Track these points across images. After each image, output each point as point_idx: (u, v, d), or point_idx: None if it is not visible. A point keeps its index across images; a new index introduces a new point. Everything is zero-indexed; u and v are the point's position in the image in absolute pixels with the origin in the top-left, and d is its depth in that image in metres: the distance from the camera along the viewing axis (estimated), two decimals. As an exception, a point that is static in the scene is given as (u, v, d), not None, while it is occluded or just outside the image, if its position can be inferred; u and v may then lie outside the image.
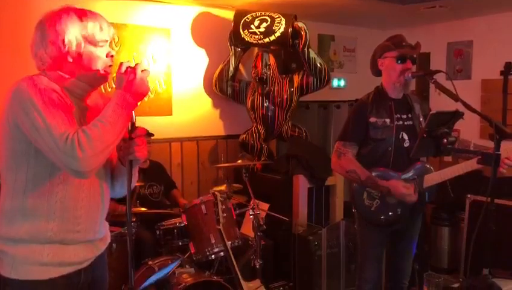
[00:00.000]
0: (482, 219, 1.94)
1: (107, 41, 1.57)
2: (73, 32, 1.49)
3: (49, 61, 1.50)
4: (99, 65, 1.55)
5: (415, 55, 2.49)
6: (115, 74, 1.55)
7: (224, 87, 4.25)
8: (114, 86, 1.58)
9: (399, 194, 2.41)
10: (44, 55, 1.50)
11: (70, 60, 1.50)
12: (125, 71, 1.51)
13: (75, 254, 1.56)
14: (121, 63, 1.53)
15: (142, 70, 1.52)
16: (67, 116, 1.42)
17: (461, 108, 2.14)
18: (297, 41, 4.00)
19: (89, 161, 1.37)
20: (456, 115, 2.14)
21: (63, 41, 1.48)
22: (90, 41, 1.53)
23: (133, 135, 1.58)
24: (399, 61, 2.46)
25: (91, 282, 1.65)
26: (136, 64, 1.54)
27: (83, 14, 1.53)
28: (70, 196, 1.53)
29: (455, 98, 2.18)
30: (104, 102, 1.67)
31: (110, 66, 1.60)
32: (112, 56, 1.60)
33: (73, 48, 1.50)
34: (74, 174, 1.42)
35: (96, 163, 1.41)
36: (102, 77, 1.59)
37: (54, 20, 1.50)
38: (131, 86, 1.49)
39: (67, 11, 1.52)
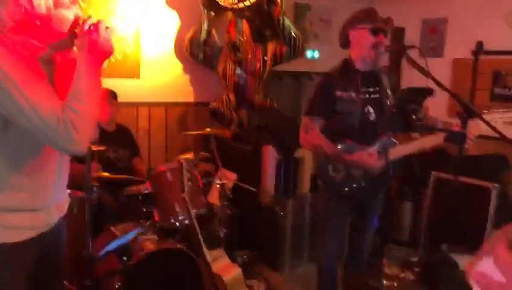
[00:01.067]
0: (445, 196, 1.97)
1: (76, 2, 1.47)
2: None
3: (11, 23, 1.37)
4: (66, 28, 1.45)
5: (388, 29, 2.45)
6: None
7: (195, 52, 4.12)
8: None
9: (364, 165, 2.41)
10: (4, 16, 1.36)
11: (38, 23, 1.39)
12: (87, 30, 1.41)
13: (41, 218, 1.54)
14: (84, 21, 1.43)
15: (106, 28, 1.43)
16: (47, 90, 1.35)
17: (432, 85, 2.14)
18: (272, 9, 3.89)
19: (85, 139, 1.35)
20: (426, 92, 2.14)
21: (31, 2, 1.36)
22: (60, 2, 1.42)
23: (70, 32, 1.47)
24: (372, 34, 2.41)
25: (55, 243, 1.64)
26: (99, 21, 1.44)
27: None
28: (40, 169, 1.49)
29: (426, 74, 2.17)
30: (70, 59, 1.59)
31: (76, 27, 1.49)
32: (79, 17, 1.49)
33: (43, 10, 1.38)
34: (69, 153, 1.44)
35: (90, 137, 1.40)
36: (71, 41, 1.50)
37: None
38: (96, 46, 1.41)
39: None
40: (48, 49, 1.46)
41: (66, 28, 1.45)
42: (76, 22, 1.45)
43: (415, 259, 2.11)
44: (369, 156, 2.41)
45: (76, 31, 1.47)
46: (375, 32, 2.40)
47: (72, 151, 1.38)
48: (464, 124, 1.86)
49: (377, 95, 2.53)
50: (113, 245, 2.46)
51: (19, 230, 1.47)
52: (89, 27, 1.42)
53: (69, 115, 1.31)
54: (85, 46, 1.41)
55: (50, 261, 1.64)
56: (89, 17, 1.46)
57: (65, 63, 1.56)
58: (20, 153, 1.43)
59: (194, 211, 2.80)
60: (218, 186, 2.97)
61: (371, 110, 2.49)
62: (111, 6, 3.73)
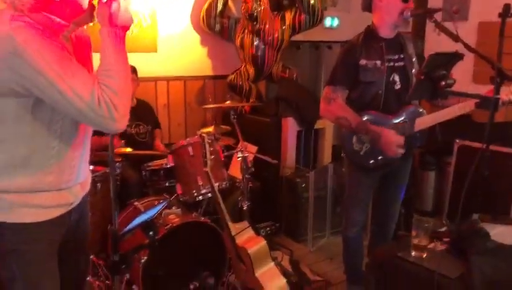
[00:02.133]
0: (476, 165, 1.91)
1: None
2: None
3: (30, 1, 1.33)
4: (85, 3, 1.42)
5: None
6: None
7: (212, 24, 4.04)
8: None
9: (388, 142, 2.34)
10: None
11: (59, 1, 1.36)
12: (106, 2, 1.37)
13: (69, 196, 1.56)
14: None
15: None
16: (79, 68, 1.33)
17: (460, 49, 2.05)
18: (290, -25, 3.78)
19: (124, 116, 1.36)
20: (456, 57, 2.05)
21: None
22: None
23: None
24: (403, 1, 2.30)
25: (79, 219, 1.66)
26: None
27: None
28: (66, 150, 1.50)
29: (455, 38, 2.08)
30: (84, 34, 1.57)
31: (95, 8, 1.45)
32: None
33: None
34: (110, 132, 1.45)
35: (128, 113, 1.40)
36: (90, 16, 1.47)
37: None
38: (116, 18, 1.38)
39: None
40: (71, 26, 1.44)
41: (85, 3, 1.42)
42: None
43: (443, 229, 2.07)
44: (396, 138, 2.32)
45: (94, 3, 1.43)
46: None
47: (115, 130, 1.37)
48: (498, 89, 1.78)
49: (402, 63, 2.45)
50: (138, 220, 2.46)
51: (46, 209, 1.49)
52: None
53: (107, 93, 1.31)
54: (106, 19, 1.37)
55: (75, 238, 1.66)
56: None
57: (78, 40, 1.53)
58: (46, 133, 1.43)
59: (217, 184, 2.79)
60: (239, 159, 2.95)
61: (397, 78, 2.42)
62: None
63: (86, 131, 1.57)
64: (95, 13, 1.46)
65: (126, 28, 1.41)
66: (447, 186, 3.98)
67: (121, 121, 1.35)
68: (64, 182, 1.52)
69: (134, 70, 3.33)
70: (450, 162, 3.97)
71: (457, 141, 3.81)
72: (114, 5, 1.37)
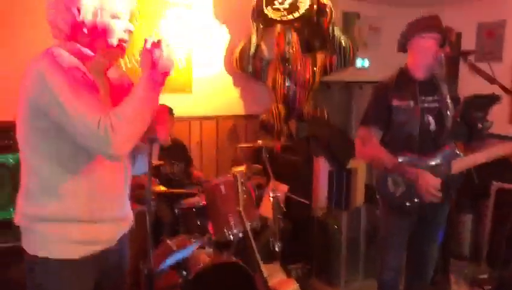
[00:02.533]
0: (508, 207, 1.85)
1: (125, 14, 1.50)
2: (90, 1, 1.43)
3: (66, 29, 1.43)
4: (114, 38, 1.48)
5: (452, 40, 2.36)
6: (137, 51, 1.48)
7: (245, 65, 4.15)
8: (138, 61, 1.50)
9: (425, 185, 2.30)
10: (61, 22, 1.43)
11: (85, 30, 1.44)
12: (150, 48, 1.43)
13: (103, 232, 1.54)
14: (146, 39, 1.46)
15: (166, 46, 1.45)
16: (95, 97, 1.37)
17: (496, 91, 2.03)
18: (321, 19, 3.87)
19: (122, 144, 1.35)
20: (493, 99, 2.03)
21: (78, 8, 1.42)
22: (107, 12, 1.45)
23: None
24: (439, 44, 2.32)
25: (118, 261, 1.64)
26: (160, 40, 1.46)
27: None
28: (96, 174, 1.49)
29: (491, 80, 2.07)
30: (127, 80, 1.61)
31: (126, 41, 1.51)
32: (130, 31, 1.52)
33: (89, 16, 1.43)
34: (107, 157, 1.40)
35: (129, 145, 1.39)
36: (118, 51, 1.51)
37: None
38: (158, 63, 1.42)
39: None
40: (97, 58, 1.49)
41: (111, 38, 1.47)
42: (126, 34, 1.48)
43: (485, 276, 1.98)
44: (432, 183, 2.28)
45: (124, 44, 1.50)
46: (442, 43, 2.30)
47: (110, 154, 1.36)
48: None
49: (436, 104, 2.42)
50: (172, 259, 2.48)
51: (78, 245, 1.48)
52: (152, 45, 1.44)
53: (110, 118, 1.32)
54: (148, 64, 1.42)
55: (112, 277, 1.64)
56: (152, 37, 1.48)
57: (122, 84, 1.59)
58: (74, 157, 1.44)
59: (249, 224, 2.79)
60: (270, 198, 2.95)
61: (431, 119, 2.39)
62: (163, 23, 3.83)
63: (122, 164, 1.56)
64: (125, 48, 1.52)
65: (166, 74, 1.45)
66: (485, 230, 3.84)
67: (119, 146, 1.34)
68: (96, 212, 1.50)
69: (170, 111, 3.42)
70: (487, 205, 3.84)
71: (494, 183, 3.71)
72: (157, 52, 1.42)
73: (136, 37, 1.55)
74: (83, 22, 1.43)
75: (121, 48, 1.51)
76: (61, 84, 1.32)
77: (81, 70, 1.40)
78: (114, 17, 1.47)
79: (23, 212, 1.49)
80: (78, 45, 1.46)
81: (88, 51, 1.47)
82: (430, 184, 2.28)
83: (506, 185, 3.60)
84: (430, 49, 2.32)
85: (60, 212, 1.45)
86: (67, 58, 1.39)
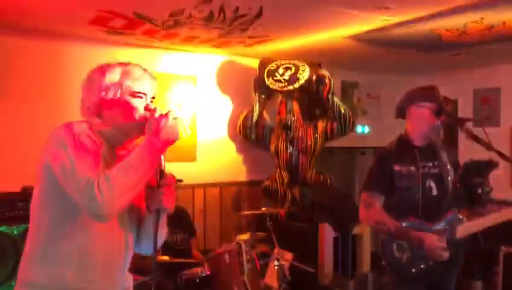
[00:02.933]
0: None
1: (145, 93, 1.58)
2: (113, 81, 1.54)
3: (92, 108, 1.54)
4: (135, 116, 1.54)
5: (447, 110, 2.45)
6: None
7: (248, 133, 4.26)
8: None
9: (432, 247, 2.29)
10: (88, 102, 1.54)
11: (109, 108, 1.53)
12: (157, 117, 1.50)
13: None
14: (155, 109, 1.53)
15: (174, 118, 1.51)
16: (96, 163, 1.41)
17: (494, 157, 2.07)
18: (321, 88, 4.01)
19: (108, 204, 1.35)
20: (491, 165, 2.07)
21: (104, 89, 1.52)
22: (128, 91, 1.54)
23: (161, 182, 1.55)
24: (434, 114, 2.40)
25: None
26: (168, 112, 1.53)
27: (125, 65, 1.58)
28: (90, 244, 1.49)
29: (488, 147, 2.11)
30: None
31: (147, 118, 1.56)
32: (150, 109, 1.58)
33: (111, 96, 1.53)
34: (94, 216, 1.40)
35: (116, 206, 1.39)
36: (138, 128, 1.57)
37: (100, 69, 1.56)
38: (161, 132, 1.47)
39: (120, 63, 1.59)
40: (113, 131, 1.54)
41: (132, 115, 1.54)
42: (147, 109, 1.56)
43: None
44: (440, 242, 2.28)
45: (142, 118, 1.55)
46: (437, 113, 2.39)
47: (95, 213, 1.37)
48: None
49: (437, 170, 2.47)
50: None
51: None
52: (160, 115, 1.51)
53: (99, 178, 1.35)
54: (152, 130, 1.48)
55: None
56: (161, 108, 1.55)
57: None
58: (73, 223, 1.45)
59: (253, 294, 2.74)
60: (275, 267, 2.91)
61: (433, 184, 2.42)
62: (169, 94, 3.99)
63: (113, 234, 1.54)
64: (146, 126, 1.54)
65: (169, 143, 1.49)
66: (497, 297, 3.73)
67: (104, 206, 1.34)
68: (87, 282, 1.48)
69: (177, 180, 3.45)
70: (497, 271, 3.76)
71: (502, 248, 3.65)
72: (163, 121, 1.48)
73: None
74: (106, 101, 1.53)
75: (140, 125, 1.55)
76: (67, 143, 1.40)
77: (91, 138, 1.46)
78: (134, 96, 1.55)
79: (18, 278, 1.50)
80: (99, 119, 1.54)
81: (107, 125, 1.54)
82: (436, 245, 2.27)
83: (515, 250, 3.55)
84: (425, 117, 2.41)
85: (49, 281, 1.45)
86: (83, 127, 1.47)
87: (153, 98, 1.61)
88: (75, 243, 1.47)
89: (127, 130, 1.57)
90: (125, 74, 1.56)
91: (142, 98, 1.57)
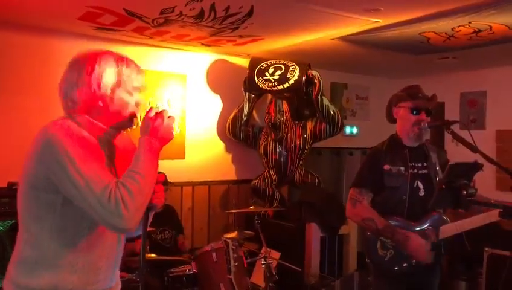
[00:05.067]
0: (506, 275, 1.86)
1: (139, 89, 1.56)
2: (109, 77, 1.48)
3: (80, 103, 1.47)
4: (127, 112, 1.53)
5: (430, 107, 2.48)
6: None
7: (237, 132, 4.26)
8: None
9: (414, 247, 2.32)
10: (77, 96, 1.46)
11: (101, 104, 1.48)
12: (152, 116, 1.50)
13: None
14: (150, 108, 1.52)
15: (168, 117, 1.51)
16: (103, 168, 1.39)
17: (479, 159, 2.11)
18: (310, 89, 4.04)
19: (133, 217, 1.35)
20: (476, 167, 2.10)
21: (99, 84, 1.46)
22: (124, 87, 1.51)
23: None
24: (414, 112, 2.45)
25: None
26: (163, 111, 1.53)
27: (120, 60, 1.53)
28: (93, 247, 1.50)
29: (474, 149, 2.15)
30: (130, 144, 1.66)
31: (136, 114, 1.57)
32: (139, 105, 1.58)
33: (108, 92, 1.48)
34: (115, 230, 1.40)
35: (139, 218, 1.39)
36: (128, 123, 1.56)
37: (92, 61, 1.48)
38: (158, 131, 1.47)
39: (107, 54, 1.52)
40: (109, 130, 1.53)
41: (125, 111, 1.52)
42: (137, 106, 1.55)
43: None
44: (423, 245, 2.32)
45: (133, 114, 1.55)
46: (417, 110, 2.43)
47: (120, 229, 1.36)
48: (520, 200, 1.80)
49: (426, 171, 2.50)
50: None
51: None
52: (154, 114, 1.50)
53: (122, 192, 1.33)
54: (148, 130, 1.47)
55: None
56: (157, 107, 1.55)
57: (126, 149, 1.63)
58: (76, 231, 1.44)
59: (240, 292, 2.75)
60: (262, 266, 2.92)
61: (420, 185, 2.45)
62: (158, 92, 3.98)
63: (111, 233, 1.55)
64: (135, 120, 1.57)
65: (165, 141, 1.49)
66: (480, 298, 3.78)
67: (129, 221, 1.34)
68: (90, 284, 1.49)
69: (166, 182, 3.44)
70: (481, 272, 3.81)
71: (486, 249, 3.70)
72: (158, 120, 1.48)
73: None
74: (100, 97, 1.47)
75: (131, 120, 1.56)
76: (71, 155, 1.34)
77: (90, 142, 1.42)
78: (130, 93, 1.53)
79: (15, 281, 1.47)
80: (88, 117, 1.49)
81: (100, 124, 1.51)
82: (422, 245, 2.30)
83: (498, 251, 3.60)
84: (406, 117, 2.45)
85: (53, 285, 1.43)
86: (76, 130, 1.42)
87: (142, 90, 1.60)
88: (80, 249, 1.46)
89: (119, 126, 1.56)
90: (121, 69, 1.51)
91: (135, 94, 1.55)
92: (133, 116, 1.55)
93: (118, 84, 1.50)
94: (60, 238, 1.44)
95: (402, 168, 2.46)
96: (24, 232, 1.48)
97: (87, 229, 1.46)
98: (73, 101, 1.47)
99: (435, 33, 3.34)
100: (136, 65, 1.58)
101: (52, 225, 1.43)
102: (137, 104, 1.56)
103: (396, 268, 2.42)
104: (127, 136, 1.77)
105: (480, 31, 3.24)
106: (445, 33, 3.33)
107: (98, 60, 1.48)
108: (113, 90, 1.49)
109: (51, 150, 1.36)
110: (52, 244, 1.44)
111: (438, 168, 2.52)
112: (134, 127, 1.60)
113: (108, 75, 1.48)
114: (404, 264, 2.40)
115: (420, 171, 2.49)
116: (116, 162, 1.57)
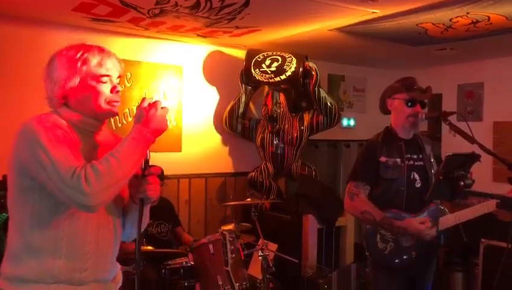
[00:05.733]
0: (502, 266, 1.86)
1: (109, 76, 1.54)
2: (75, 68, 1.49)
3: (57, 98, 1.50)
4: (102, 100, 1.53)
5: (425, 100, 2.47)
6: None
7: (234, 124, 4.25)
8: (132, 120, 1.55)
9: (416, 231, 2.34)
10: (52, 92, 1.50)
11: (74, 96, 1.50)
12: (146, 106, 1.49)
13: None
14: (144, 98, 1.52)
15: (162, 107, 1.50)
16: (73, 152, 1.40)
17: (476, 150, 2.10)
18: (307, 81, 4.02)
19: (96, 195, 1.34)
20: (473, 158, 2.09)
21: (64, 78, 1.48)
22: (92, 76, 1.51)
23: (146, 172, 1.54)
24: (408, 104, 2.44)
25: None
26: (157, 101, 1.52)
27: (87, 50, 1.53)
28: (78, 232, 1.48)
29: (471, 140, 2.14)
30: (116, 140, 1.64)
31: (117, 101, 1.56)
32: (118, 91, 1.57)
33: (76, 83, 1.49)
34: (81, 208, 1.39)
35: (104, 197, 1.39)
36: (107, 112, 1.56)
37: (60, 56, 1.52)
38: (151, 121, 1.46)
39: (75, 47, 1.53)
40: (84, 119, 1.53)
41: (98, 100, 1.52)
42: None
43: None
44: (422, 224, 2.34)
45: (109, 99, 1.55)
46: (411, 102, 2.42)
47: (83, 206, 1.36)
48: (517, 190, 1.80)
49: (421, 163, 2.50)
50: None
51: None
52: (148, 104, 1.49)
53: (87, 170, 1.34)
54: (141, 120, 1.47)
55: None
56: (150, 97, 1.54)
57: (111, 144, 1.60)
58: (54, 215, 1.44)
59: (237, 284, 2.75)
60: (260, 258, 2.92)
61: (417, 176, 2.46)
62: (154, 84, 3.95)
63: (100, 219, 1.53)
64: (115, 105, 1.56)
65: (158, 132, 1.49)
66: (477, 288, 3.80)
67: (92, 198, 1.33)
68: (77, 273, 1.46)
69: (162, 176, 3.41)
70: (477, 263, 3.83)
71: (483, 240, 3.72)
72: (152, 110, 1.47)
73: (127, 98, 1.60)
74: (71, 89, 1.49)
75: (110, 108, 1.55)
76: (40, 139, 1.37)
77: (62, 128, 1.44)
78: (99, 81, 1.52)
79: (3, 273, 1.47)
80: (68, 108, 1.52)
81: (82, 115, 1.52)
82: (421, 222, 2.32)
83: (494, 242, 3.61)
84: (400, 109, 2.45)
85: (38, 273, 1.43)
86: (52, 118, 1.45)
87: (120, 76, 1.59)
88: (62, 232, 1.45)
89: (98, 116, 1.56)
90: (88, 59, 1.51)
91: (105, 82, 1.54)
92: (111, 106, 1.54)
93: (86, 74, 1.51)
94: (41, 224, 1.44)
95: (398, 160, 2.46)
96: (11, 223, 1.49)
97: (65, 213, 1.45)
98: (50, 97, 1.52)
99: (433, 24, 3.32)
100: (107, 52, 1.57)
101: (32, 211, 1.44)
102: (113, 91, 1.55)
103: (396, 261, 2.43)
104: (114, 132, 1.76)
105: (478, 21, 3.22)
106: (443, 24, 3.31)
107: (65, 54, 1.52)
108: (80, 82, 1.50)
109: (24, 136, 1.41)
110: (33, 230, 1.44)
111: (432, 159, 2.52)
112: (116, 114, 1.60)
113: (74, 66, 1.50)
114: (405, 257, 2.41)
115: (416, 163, 2.49)
116: (100, 155, 1.53)
